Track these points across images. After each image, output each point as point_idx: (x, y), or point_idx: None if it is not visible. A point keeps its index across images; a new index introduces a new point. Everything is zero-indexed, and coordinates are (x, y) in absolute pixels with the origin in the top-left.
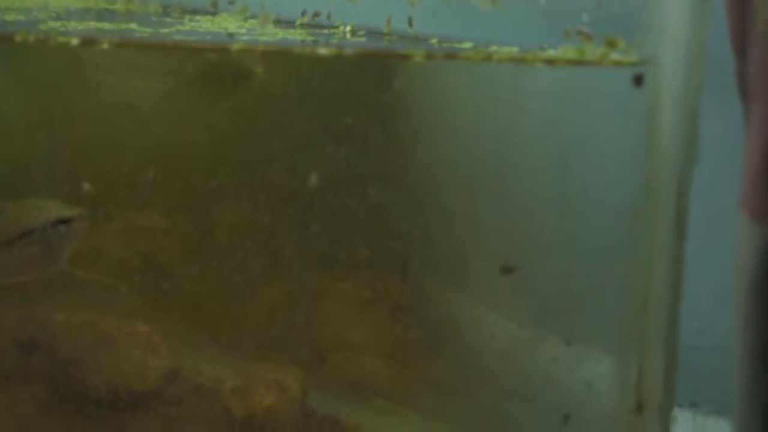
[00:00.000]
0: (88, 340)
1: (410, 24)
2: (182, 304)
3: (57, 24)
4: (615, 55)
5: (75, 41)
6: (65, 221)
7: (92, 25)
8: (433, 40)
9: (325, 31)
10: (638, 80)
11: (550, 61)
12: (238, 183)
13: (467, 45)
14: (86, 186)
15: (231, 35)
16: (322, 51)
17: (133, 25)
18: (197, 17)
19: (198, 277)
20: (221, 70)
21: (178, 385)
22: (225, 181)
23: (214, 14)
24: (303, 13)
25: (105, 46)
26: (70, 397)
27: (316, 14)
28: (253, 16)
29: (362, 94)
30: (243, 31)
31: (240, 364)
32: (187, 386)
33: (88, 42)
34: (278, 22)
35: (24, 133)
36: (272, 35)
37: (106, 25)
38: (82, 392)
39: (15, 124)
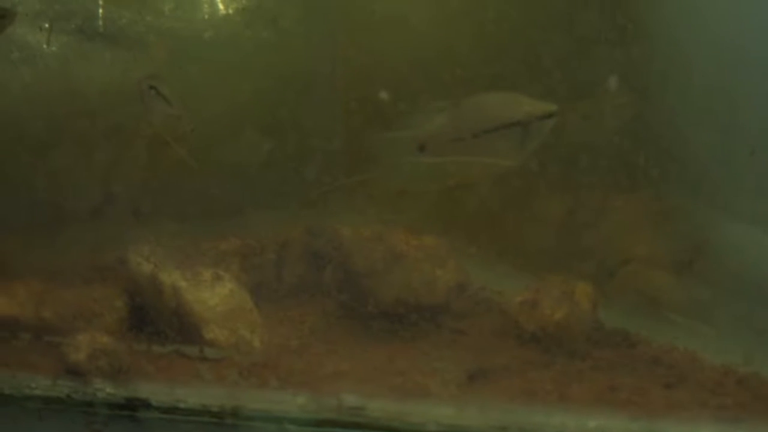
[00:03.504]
0: (377, 253)
1: None
2: (469, 219)
3: None
4: None
5: None
6: (546, 117)
7: None
8: None
9: None
10: None
11: None
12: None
13: None
14: None
15: None
16: None
17: None
18: None
19: (485, 191)
20: None
21: (466, 299)
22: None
23: None
24: None
25: None
26: (360, 310)
27: None
28: None
29: None
30: None
31: (528, 278)
32: (475, 300)
33: None
34: None
35: None
36: None
37: None
38: (371, 305)
39: None
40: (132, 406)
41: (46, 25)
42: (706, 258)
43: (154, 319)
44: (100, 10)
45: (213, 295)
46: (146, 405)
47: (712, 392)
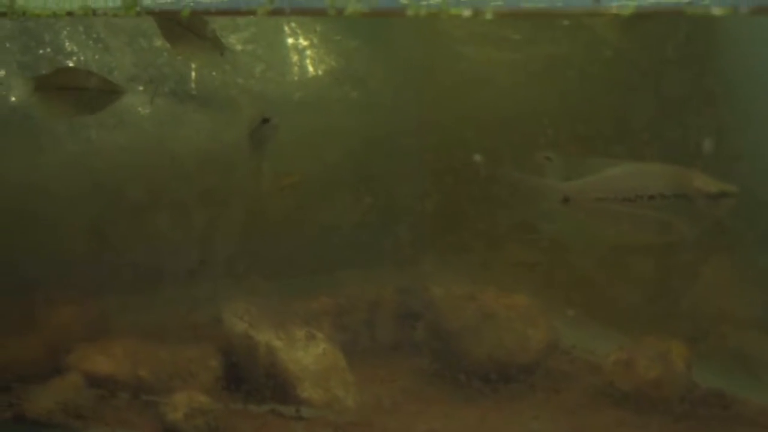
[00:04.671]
0: (468, 312)
1: None
2: (560, 278)
3: None
4: None
5: (467, 13)
6: (719, 196)
7: None
8: None
9: None
10: None
11: None
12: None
13: None
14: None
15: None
16: (716, 11)
17: None
18: None
19: (575, 252)
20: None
21: (558, 358)
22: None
23: None
24: None
25: (489, 16)
26: (452, 369)
27: None
28: None
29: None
30: None
31: (621, 338)
32: (567, 359)
33: (479, 13)
34: None
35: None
36: None
37: None
38: (463, 364)
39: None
40: None
41: (141, 89)
42: None
43: (248, 378)
44: (193, 73)
45: (307, 354)
46: None
47: None
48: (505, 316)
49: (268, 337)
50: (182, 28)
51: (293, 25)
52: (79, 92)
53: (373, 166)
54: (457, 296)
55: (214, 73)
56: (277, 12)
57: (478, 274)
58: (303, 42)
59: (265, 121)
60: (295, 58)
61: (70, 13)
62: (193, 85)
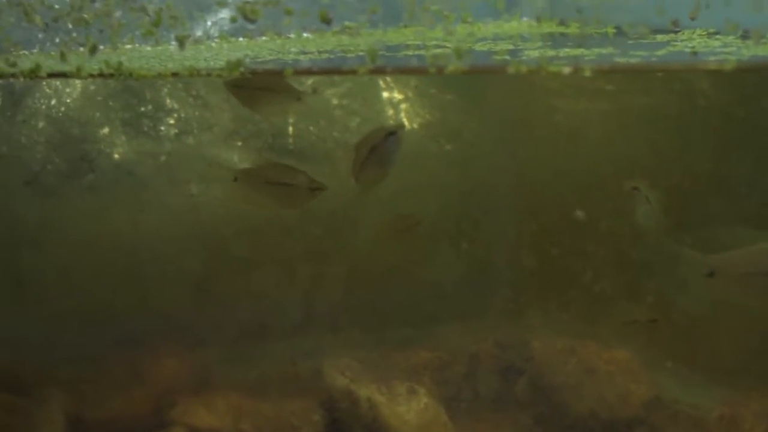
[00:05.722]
0: (569, 366)
1: None
2: (665, 333)
3: (534, 53)
4: None
5: (567, 70)
6: None
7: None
8: None
9: None
10: None
11: None
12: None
13: None
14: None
15: (694, 53)
16: None
17: (587, 50)
18: (659, 36)
19: (672, 307)
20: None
21: (660, 413)
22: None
23: (675, 32)
24: None
25: (588, 73)
26: (553, 423)
27: None
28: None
29: None
30: (708, 49)
31: (724, 393)
32: (669, 414)
33: (578, 70)
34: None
35: None
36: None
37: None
38: (565, 419)
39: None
40: None
41: (239, 144)
42: None
43: None
44: (290, 128)
45: (408, 409)
46: None
47: None
48: (606, 371)
49: (370, 391)
50: (249, 89)
51: (388, 79)
52: (282, 188)
53: (471, 219)
54: (557, 350)
55: (311, 128)
56: (378, 70)
57: (582, 328)
58: (398, 96)
59: (391, 134)
60: (390, 111)
61: (175, 74)
62: (290, 140)
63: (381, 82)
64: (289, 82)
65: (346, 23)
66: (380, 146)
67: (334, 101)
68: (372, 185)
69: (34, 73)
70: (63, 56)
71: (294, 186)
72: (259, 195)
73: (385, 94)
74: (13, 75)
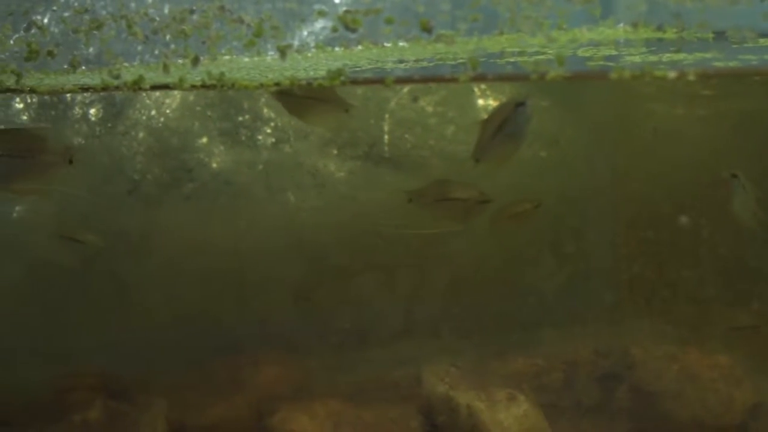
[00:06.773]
0: (670, 373)
1: None
2: (762, 338)
3: (636, 58)
4: None
5: (672, 74)
6: None
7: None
8: None
9: None
10: None
11: None
12: None
13: None
14: None
15: None
16: None
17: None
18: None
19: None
20: None
21: (764, 420)
22: None
23: None
24: None
25: (692, 77)
26: (656, 431)
27: None
28: None
29: None
30: None
31: None
32: None
33: (683, 75)
34: None
35: None
36: None
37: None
38: (667, 426)
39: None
40: None
41: (335, 152)
42: None
43: None
44: (386, 137)
45: (508, 415)
46: None
47: None
48: (708, 377)
49: (470, 398)
50: (299, 98)
51: (483, 86)
52: (454, 203)
53: (570, 226)
54: (657, 357)
55: (407, 136)
56: (479, 78)
57: (683, 335)
58: (493, 103)
59: (520, 105)
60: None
61: (277, 84)
62: (386, 148)
63: (476, 90)
64: (338, 93)
65: (442, 31)
66: (510, 118)
67: (429, 109)
68: (502, 162)
69: (137, 85)
70: (165, 68)
71: (465, 200)
72: (433, 212)
73: (480, 102)
74: (117, 87)
